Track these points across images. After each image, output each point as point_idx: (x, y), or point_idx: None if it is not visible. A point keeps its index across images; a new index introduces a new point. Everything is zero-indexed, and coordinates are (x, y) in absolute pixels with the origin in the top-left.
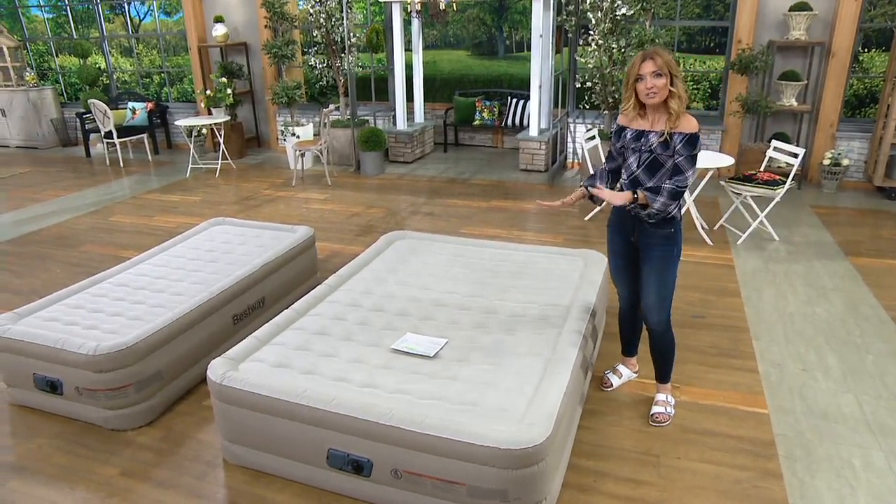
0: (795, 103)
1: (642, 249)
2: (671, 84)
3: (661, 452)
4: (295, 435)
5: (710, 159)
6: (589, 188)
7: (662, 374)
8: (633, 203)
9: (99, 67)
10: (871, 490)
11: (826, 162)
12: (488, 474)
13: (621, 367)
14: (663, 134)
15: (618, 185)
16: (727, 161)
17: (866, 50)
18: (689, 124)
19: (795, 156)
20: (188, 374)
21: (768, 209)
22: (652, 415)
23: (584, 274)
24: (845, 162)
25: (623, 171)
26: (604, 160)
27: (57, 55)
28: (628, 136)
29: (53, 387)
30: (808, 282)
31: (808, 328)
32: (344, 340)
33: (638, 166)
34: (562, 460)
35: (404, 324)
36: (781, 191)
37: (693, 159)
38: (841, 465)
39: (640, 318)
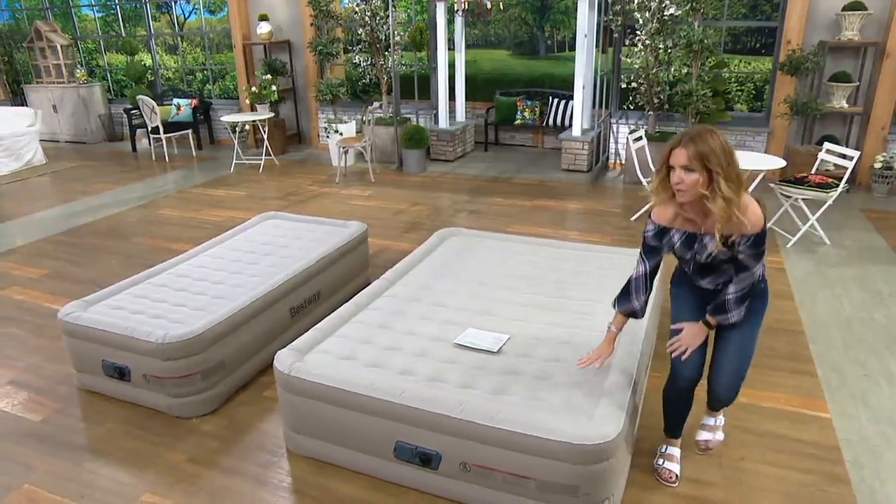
0: (846, 105)
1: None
2: (709, 183)
3: (722, 453)
4: (362, 426)
5: (760, 161)
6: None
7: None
8: (708, 328)
9: (144, 65)
10: None
11: (877, 165)
12: (559, 469)
13: (671, 450)
14: (719, 240)
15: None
16: (778, 163)
17: None
18: (753, 221)
19: (849, 158)
20: (248, 364)
21: (820, 212)
22: (699, 441)
23: None
24: None
25: (679, 261)
26: (641, 258)
27: (105, 53)
28: (676, 240)
29: (121, 373)
30: (863, 286)
31: (867, 333)
32: (407, 334)
33: (697, 270)
34: (628, 458)
35: (465, 319)
36: (835, 194)
37: (761, 255)
38: None
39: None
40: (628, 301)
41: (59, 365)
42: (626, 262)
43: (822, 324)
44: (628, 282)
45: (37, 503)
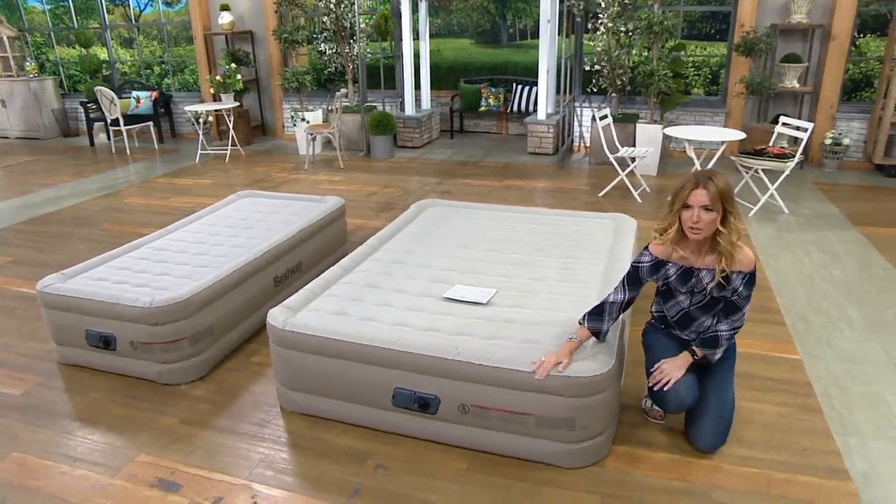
0: (797, 85)
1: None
2: (723, 221)
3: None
4: (359, 376)
5: (723, 133)
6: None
7: None
8: (692, 362)
9: (100, 58)
10: None
11: (827, 142)
12: (556, 403)
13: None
14: (719, 274)
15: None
16: (739, 136)
17: (862, 35)
18: (747, 259)
19: (804, 130)
20: (236, 332)
21: (779, 182)
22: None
23: (618, 234)
24: (846, 141)
25: (666, 305)
26: (623, 286)
27: (56, 46)
28: (671, 273)
29: (107, 342)
30: (821, 248)
31: (827, 287)
32: (396, 292)
33: (690, 305)
34: (618, 396)
35: (451, 277)
36: (792, 163)
37: (751, 296)
38: (875, 402)
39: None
40: (600, 321)
41: (37, 342)
42: (599, 225)
43: (786, 280)
44: (602, 303)
45: (28, 468)
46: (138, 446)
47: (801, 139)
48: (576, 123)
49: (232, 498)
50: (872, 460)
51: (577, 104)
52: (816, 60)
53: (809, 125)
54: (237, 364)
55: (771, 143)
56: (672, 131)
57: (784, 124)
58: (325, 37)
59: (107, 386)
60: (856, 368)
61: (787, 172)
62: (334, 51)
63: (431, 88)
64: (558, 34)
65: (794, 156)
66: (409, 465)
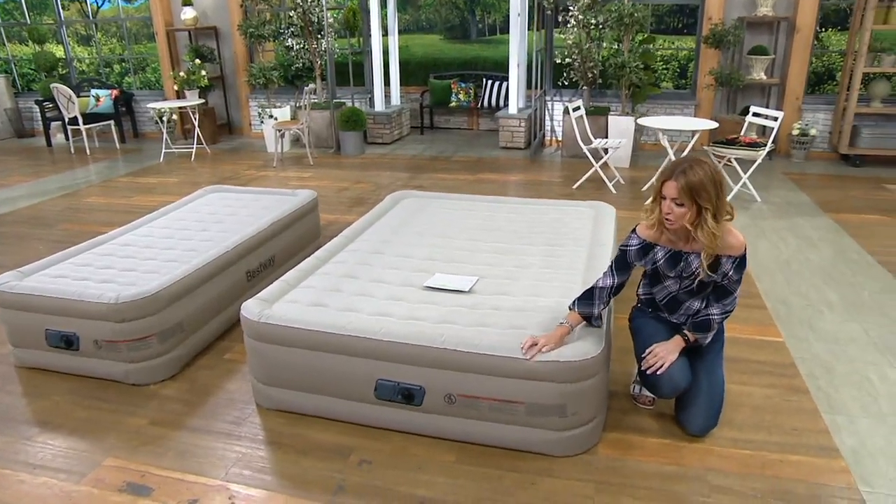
0: (765, 77)
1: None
2: (696, 218)
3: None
4: (339, 369)
5: (695, 123)
6: (642, 364)
7: None
8: (685, 346)
9: (55, 55)
10: (891, 398)
11: (795, 132)
12: (546, 390)
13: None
14: (705, 259)
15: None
16: (711, 125)
17: (823, 29)
18: (737, 242)
19: (775, 119)
20: (207, 328)
21: (751, 170)
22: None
23: (598, 221)
24: (813, 132)
25: (654, 288)
26: (611, 270)
27: (6, 43)
28: (660, 256)
29: (69, 342)
30: (796, 234)
31: (805, 271)
32: (375, 282)
33: (679, 289)
34: (607, 382)
35: (432, 267)
36: (763, 152)
37: (741, 279)
38: (859, 380)
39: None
40: (590, 306)
41: None
42: (579, 213)
43: (764, 266)
44: (592, 288)
45: None
46: (105, 450)
47: (771, 129)
48: (547, 117)
49: (207, 500)
50: (861, 437)
51: (548, 98)
52: (782, 53)
53: (780, 113)
54: (209, 361)
55: (742, 133)
56: (646, 121)
57: (755, 114)
58: (292, 32)
59: (69, 388)
60: (838, 349)
61: (759, 161)
62: (302, 46)
63: (401, 84)
64: (528, 28)
65: (765, 145)
66: (395, 460)
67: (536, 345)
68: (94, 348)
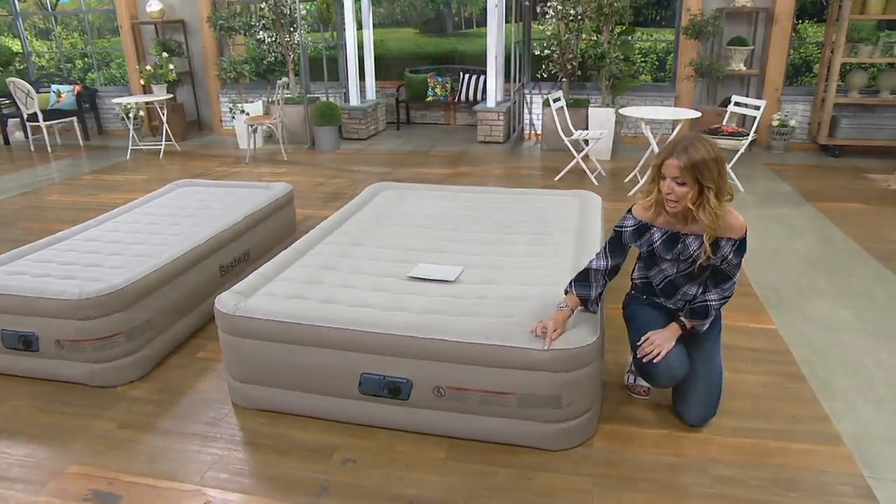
0: (744, 68)
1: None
2: (698, 198)
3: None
4: (321, 363)
5: (678, 113)
6: (637, 350)
7: None
8: (682, 334)
9: (11, 49)
10: (888, 381)
11: (774, 123)
12: (540, 380)
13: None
14: (707, 241)
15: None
16: (693, 114)
17: (800, 20)
18: (738, 224)
19: (757, 108)
20: (178, 325)
21: (734, 160)
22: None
23: (583, 209)
24: (792, 123)
25: (650, 272)
26: (605, 252)
27: None
28: (656, 237)
29: (27, 343)
30: (781, 223)
31: (792, 259)
32: (356, 273)
33: (676, 273)
34: (601, 372)
35: (415, 257)
36: (746, 141)
37: (741, 264)
38: (855, 365)
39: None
40: (587, 287)
41: None
42: (564, 202)
43: (752, 254)
44: (587, 269)
45: None
46: (68, 457)
47: (752, 120)
48: (526, 111)
49: None
50: (862, 423)
51: (526, 91)
52: (761, 44)
53: (762, 102)
54: (181, 361)
55: (724, 123)
56: (629, 111)
57: (737, 103)
58: (264, 24)
59: (28, 392)
60: (831, 335)
61: (741, 150)
62: (273, 40)
63: (376, 79)
64: (506, 20)
65: (747, 134)
66: (382, 458)
67: (547, 331)
68: (55, 349)
